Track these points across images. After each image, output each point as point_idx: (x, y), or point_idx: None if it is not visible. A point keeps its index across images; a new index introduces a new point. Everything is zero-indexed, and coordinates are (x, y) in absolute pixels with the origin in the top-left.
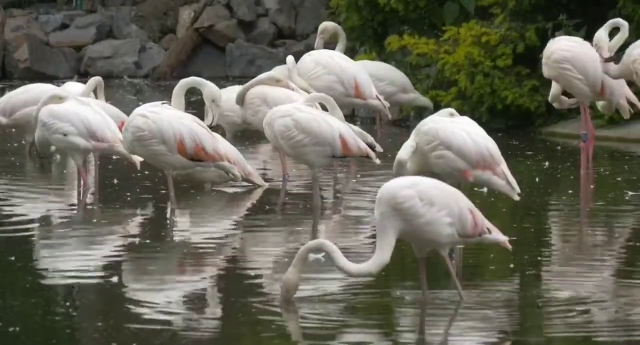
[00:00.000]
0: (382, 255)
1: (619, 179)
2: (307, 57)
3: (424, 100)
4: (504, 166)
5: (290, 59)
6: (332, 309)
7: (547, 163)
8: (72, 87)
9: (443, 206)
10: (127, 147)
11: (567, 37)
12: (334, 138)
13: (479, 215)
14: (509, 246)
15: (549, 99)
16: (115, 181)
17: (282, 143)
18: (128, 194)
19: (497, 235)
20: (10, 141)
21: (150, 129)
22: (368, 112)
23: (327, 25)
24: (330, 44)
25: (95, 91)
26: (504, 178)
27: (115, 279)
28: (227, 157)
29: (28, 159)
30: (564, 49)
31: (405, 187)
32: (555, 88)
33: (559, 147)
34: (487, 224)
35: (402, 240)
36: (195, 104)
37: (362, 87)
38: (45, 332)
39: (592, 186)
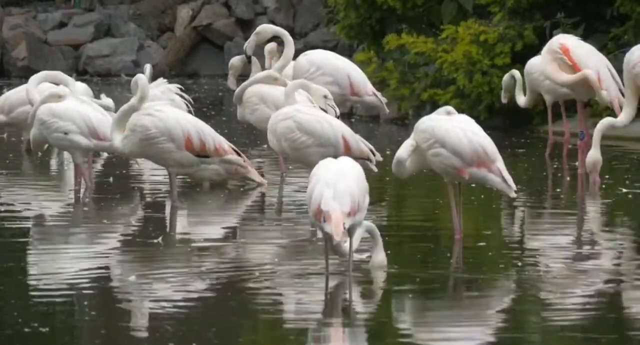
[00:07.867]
0: None
1: (616, 177)
2: (302, 58)
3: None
4: (500, 163)
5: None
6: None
7: (545, 161)
8: (76, 86)
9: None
10: (130, 148)
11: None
12: (336, 139)
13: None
14: (337, 238)
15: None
16: (111, 179)
17: (285, 145)
18: (127, 192)
19: (328, 227)
20: (6, 139)
21: (157, 127)
22: (367, 111)
23: (262, 27)
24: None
25: None
26: (499, 175)
27: (133, 278)
28: (233, 151)
29: (25, 157)
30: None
31: None
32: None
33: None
34: (329, 209)
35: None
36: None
37: (356, 84)
38: (46, 332)
39: (590, 184)
